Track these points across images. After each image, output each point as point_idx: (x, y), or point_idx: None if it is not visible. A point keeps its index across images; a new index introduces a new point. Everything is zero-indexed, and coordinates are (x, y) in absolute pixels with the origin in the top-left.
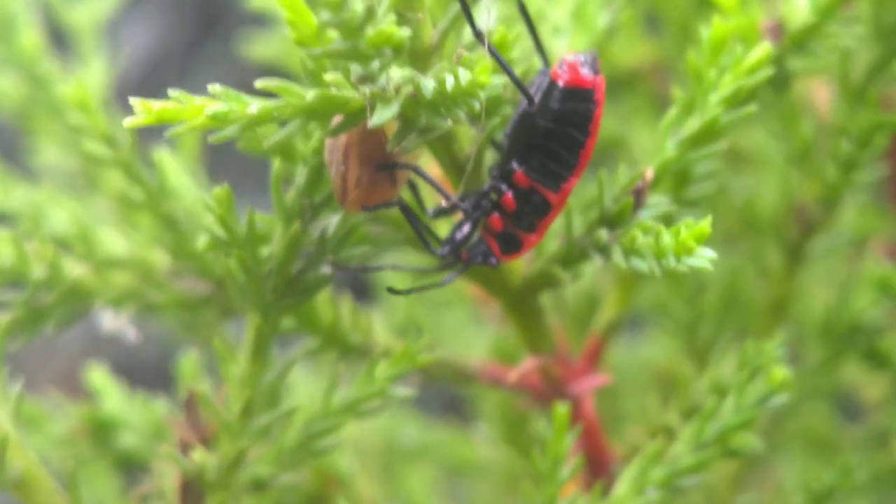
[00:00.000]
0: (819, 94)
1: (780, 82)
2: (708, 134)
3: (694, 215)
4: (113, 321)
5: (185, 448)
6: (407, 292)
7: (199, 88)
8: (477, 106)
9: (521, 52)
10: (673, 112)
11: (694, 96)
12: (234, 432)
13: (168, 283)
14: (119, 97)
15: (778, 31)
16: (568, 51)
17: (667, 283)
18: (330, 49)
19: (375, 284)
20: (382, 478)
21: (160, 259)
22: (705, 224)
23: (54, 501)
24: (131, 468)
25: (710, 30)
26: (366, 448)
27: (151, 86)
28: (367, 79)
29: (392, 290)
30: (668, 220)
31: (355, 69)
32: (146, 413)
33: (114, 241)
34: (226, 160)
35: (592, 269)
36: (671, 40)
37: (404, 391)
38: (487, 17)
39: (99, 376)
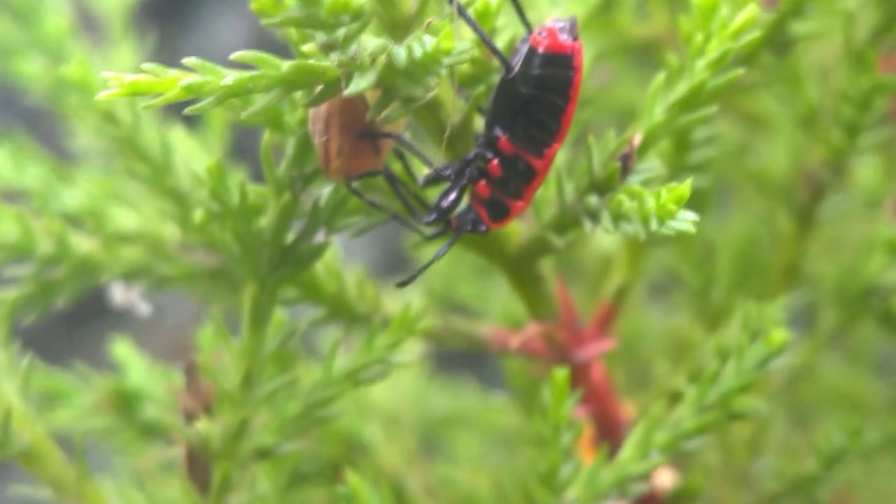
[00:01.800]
0: (830, 57)
1: (780, 47)
2: (696, 98)
3: (696, 181)
4: (124, 295)
5: (188, 416)
6: (412, 279)
7: None
8: (443, 72)
9: (509, 21)
10: (661, 77)
11: (684, 62)
12: (236, 402)
13: (178, 257)
14: None
15: None
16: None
17: (677, 248)
18: (288, 17)
19: (413, 261)
20: (418, 446)
21: (170, 232)
22: (685, 187)
23: (62, 471)
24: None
25: None
26: (399, 417)
27: None
28: (332, 47)
29: (399, 284)
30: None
31: (320, 37)
32: (167, 384)
33: (124, 216)
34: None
35: (606, 235)
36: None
37: (404, 358)
38: None
39: (123, 349)
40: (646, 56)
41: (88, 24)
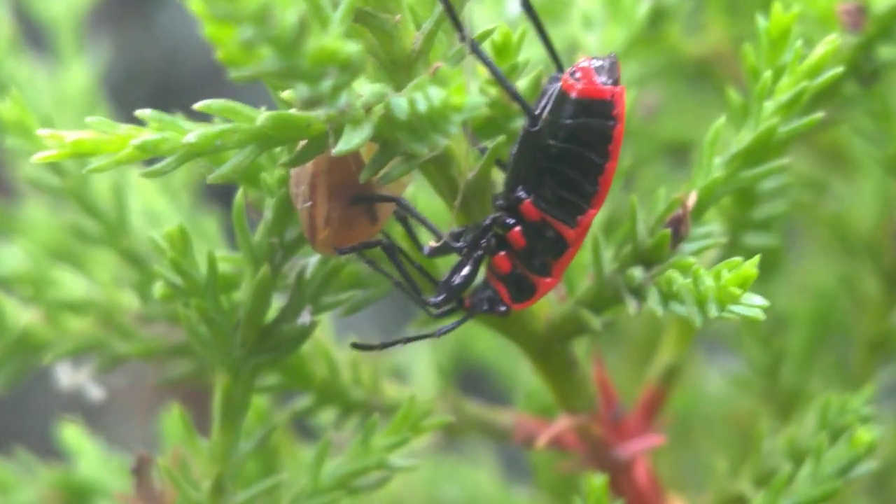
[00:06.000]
0: None
1: (867, 76)
2: (763, 148)
3: (764, 238)
4: (71, 377)
5: None
6: (381, 347)
7: None
8: (454, 130)
9: (535, 54)
10: (721, 122)
11: (748, 102)
12: None
13: (135, 331)
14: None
15: (859, 15)
16: (584, 55)
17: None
18: (263, 69)
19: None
20: None
21: (126, 301)
22: (751, 267)
23: None
24: None
25: (769, 20)
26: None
27: None
28: (316, 102)
29: (357, 346)
30: (726, 251)
31: (301, 90)
32: (124, 477)
33: (72, 281)
34: None
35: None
36: (748, 21)
37: (407, 462)
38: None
39: (73, 435)
40: (701, 77)
41: (33, 34)
